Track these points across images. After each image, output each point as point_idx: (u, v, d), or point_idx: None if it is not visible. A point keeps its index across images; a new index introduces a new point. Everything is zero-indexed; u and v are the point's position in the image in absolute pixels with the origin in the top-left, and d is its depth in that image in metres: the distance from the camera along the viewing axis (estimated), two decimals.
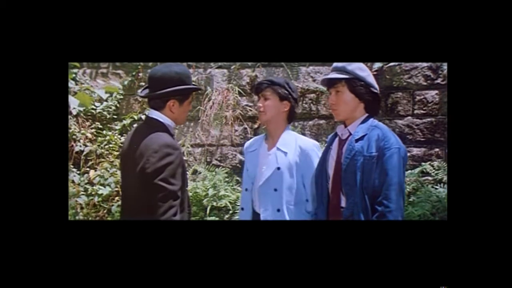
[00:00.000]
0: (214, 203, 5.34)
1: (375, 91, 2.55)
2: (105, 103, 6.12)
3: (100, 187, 5.38)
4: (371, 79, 2.55)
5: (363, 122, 2.53)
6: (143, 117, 6.10)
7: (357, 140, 2.46)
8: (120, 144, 5.90)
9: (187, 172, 2.53)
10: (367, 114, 2.56)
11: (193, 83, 2.62)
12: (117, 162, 5.67)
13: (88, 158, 5.79)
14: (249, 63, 5.99)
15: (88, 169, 5.72)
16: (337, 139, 2.63)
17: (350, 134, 2.53)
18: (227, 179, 5.80)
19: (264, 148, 2.98)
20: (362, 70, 2.53)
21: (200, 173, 5.81)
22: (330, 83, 2.59)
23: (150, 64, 6.14)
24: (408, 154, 5.60)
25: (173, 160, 2.26)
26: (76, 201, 5.12)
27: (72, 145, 5.76)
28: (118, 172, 5.54)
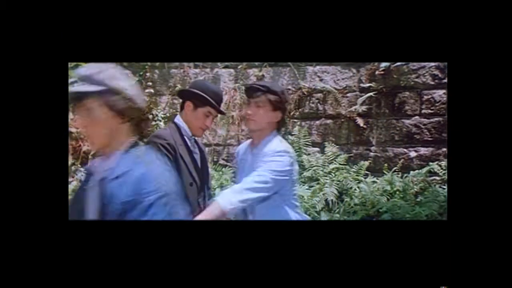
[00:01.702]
0: None
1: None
2: None
3: None
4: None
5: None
6: (150, 116, 6.14)
7: None
8: None
9: (190, 169, 2.61)
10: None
11: (218, 103, 2.75)
12: None
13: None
14: (256, 63, 6.00)
15: None
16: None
17: None
18: (234, 179, 5.79)
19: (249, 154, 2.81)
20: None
21: None
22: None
23: (157, 64, 6.18)
24: (416, 153, 5.61)
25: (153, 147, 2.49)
26: None
27: (80, 145, 5.80)
28: None
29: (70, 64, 2.10)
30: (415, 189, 5.29)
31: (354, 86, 5.85)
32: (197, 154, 2.77)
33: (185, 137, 2.70)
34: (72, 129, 5.76)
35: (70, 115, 2.49)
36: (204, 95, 2.68)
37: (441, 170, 5.37)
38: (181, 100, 2.82)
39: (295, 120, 5.96)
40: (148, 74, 6.24)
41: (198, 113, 2.69)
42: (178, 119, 2.74)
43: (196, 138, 2.81)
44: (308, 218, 2.75)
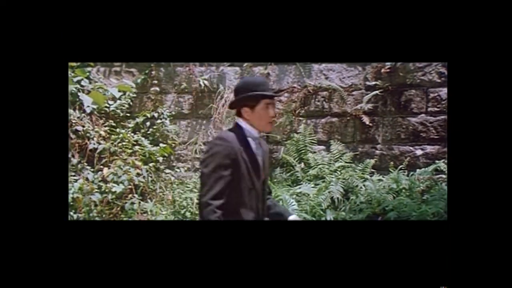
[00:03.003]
0: None
1: None
2: (118, 101, 6.17)
3: (114, 184, 5.41)
4: None
5: None
6: (156, 114, 6.16)
7: None
8: (133, 142, 5.93)
9: (250, 173, 2.50)
10: None
11: (267, 90, 2.56)
12: (130, 160, 5.71)
13: (102, 156, 5.84)
14: None
15: (101, 166, 5.76)
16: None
17: None
18: None
19: None
20: None
21: None
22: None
23: (163, 62, 6.18)
24: (422, 152, 5.59)
25: (218, 150, 2.40)
26: (90, 198, 5.15)
27: (86, 143, 5.82)
28: (131, 170, 5.58)
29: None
30: (421, 187, 5.26)
31: (360, 84, 5.83)
32: (260, 156, 2.61)
33: (249, 139, 2.55)
34: (78, 127, 5.80)
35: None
36: (252, 94, 2.53)
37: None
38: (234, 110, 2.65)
39: (301, 118, 5.95)
40: (153, 72, 6.25)
41: (258, 112, 2.54)
42: (241, 122, 2.59)
43: (260, 139, 2.64)
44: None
